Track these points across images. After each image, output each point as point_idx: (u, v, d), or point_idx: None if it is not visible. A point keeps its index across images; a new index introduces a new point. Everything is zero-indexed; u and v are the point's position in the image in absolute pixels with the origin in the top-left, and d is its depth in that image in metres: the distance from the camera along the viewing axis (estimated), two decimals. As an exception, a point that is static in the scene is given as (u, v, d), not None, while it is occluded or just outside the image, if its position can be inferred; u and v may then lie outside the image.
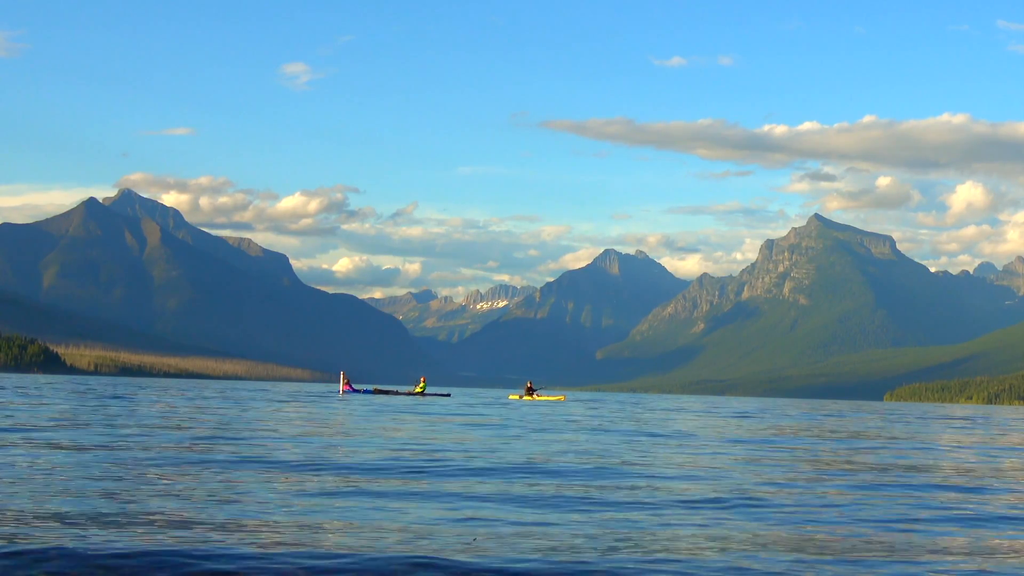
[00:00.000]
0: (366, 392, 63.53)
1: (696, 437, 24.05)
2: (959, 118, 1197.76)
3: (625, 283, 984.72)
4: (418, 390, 62.13)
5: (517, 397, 65.73)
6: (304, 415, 30.17)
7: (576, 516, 9.51)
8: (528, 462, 15.14)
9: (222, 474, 12.16)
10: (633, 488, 11.87)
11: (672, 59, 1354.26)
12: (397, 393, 62.47)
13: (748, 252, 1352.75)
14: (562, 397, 70.27)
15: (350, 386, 64.12)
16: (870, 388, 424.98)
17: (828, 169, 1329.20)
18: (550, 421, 31.06)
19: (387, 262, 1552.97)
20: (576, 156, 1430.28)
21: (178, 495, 10.12)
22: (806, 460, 17.43)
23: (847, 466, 16.23)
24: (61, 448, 15.06)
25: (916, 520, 9.74)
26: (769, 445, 21.52)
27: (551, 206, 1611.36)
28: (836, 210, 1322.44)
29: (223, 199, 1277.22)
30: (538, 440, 20.71)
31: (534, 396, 63.93)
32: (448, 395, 68.78)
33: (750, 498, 10.91)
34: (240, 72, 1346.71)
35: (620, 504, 10.39)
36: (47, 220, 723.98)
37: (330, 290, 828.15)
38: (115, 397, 43.24)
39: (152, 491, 10.30)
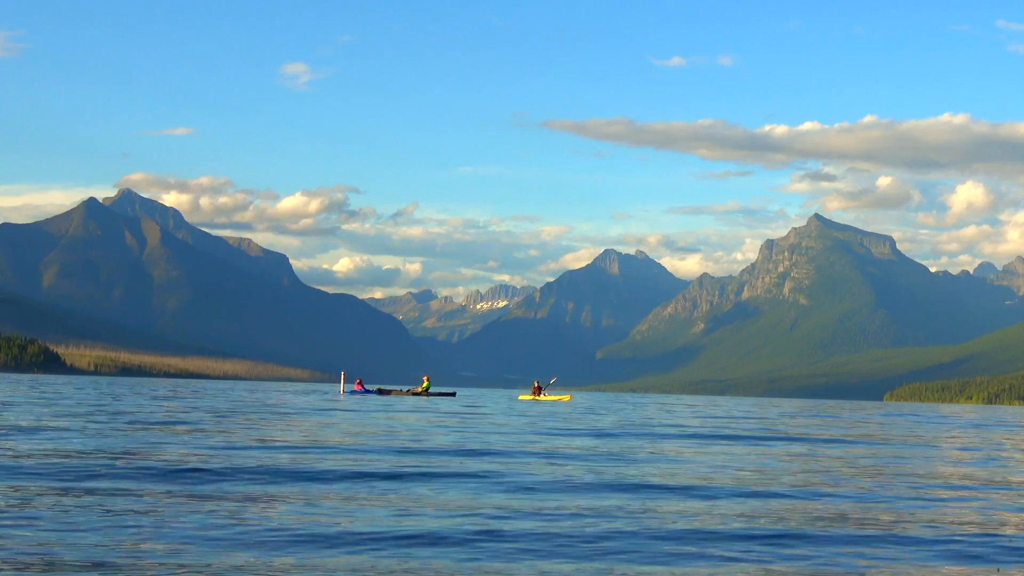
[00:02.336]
0: (354, 392, 62.99)
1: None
2: (960, 118, 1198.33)
3: (625, 283, 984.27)
4: (421, 390, 61.70)
5: (529, 397, 65.19)
6: (303, 419, 29.87)
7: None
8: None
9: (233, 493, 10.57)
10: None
11: (672, 59, 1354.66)
12: (401, 393, 62.08)
13: (748, 252, 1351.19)
14: (567, 397, 69.67)
15: (362, 386, 63.78)
16: (870, 388, 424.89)
17: (828, 169, 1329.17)
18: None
19: (387, 262, 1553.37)
20: (576, 156, 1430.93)
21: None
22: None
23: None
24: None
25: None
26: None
27: (551, 206, 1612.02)
28: (836, 210, 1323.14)
29: (223, 199, 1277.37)
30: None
31: (541, 396, 63.65)
32: (453, 394, 68.47)
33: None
34: (240, 72, 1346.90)
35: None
36: (47, 220, 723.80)
37: (330, 290, 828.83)
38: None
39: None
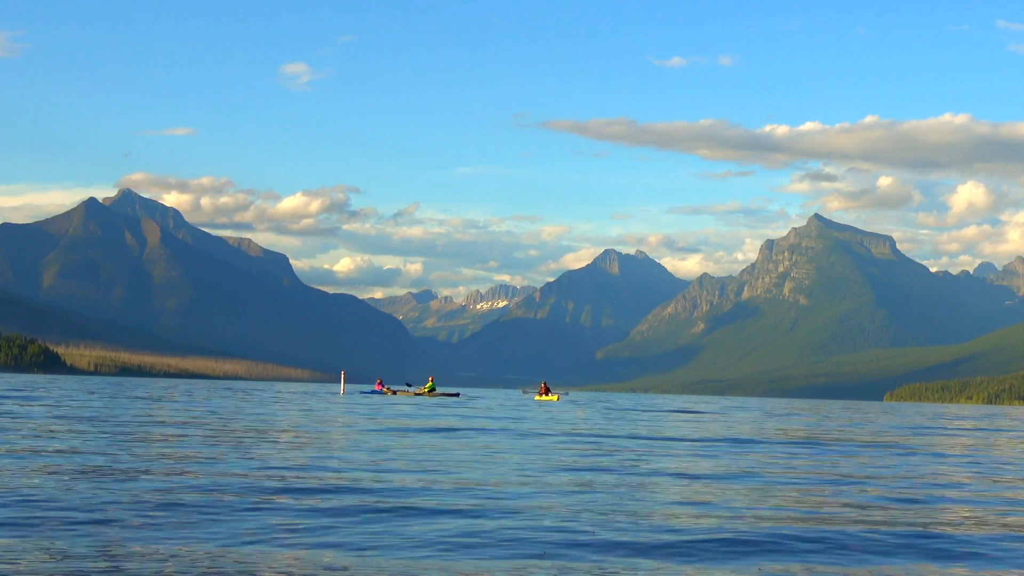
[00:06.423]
0: (373, 392, 63.21)
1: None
2: (960, 118, 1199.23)
3: (625, 283, 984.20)
4: (426, 390, 61.95)
5: (539, 397, 67.27)
6: (308, 419, 29.51)
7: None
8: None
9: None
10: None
11: (672, 59, 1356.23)
12: (408, 394, 62.15)
13: (748, 252, 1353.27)
14: (555, 397, 69.20)
15: (381, 386, 64.00)
16: (870, 388, 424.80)
17: (829, 169, 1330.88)
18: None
19: (388, 262, 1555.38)
20: (577, 156, 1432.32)
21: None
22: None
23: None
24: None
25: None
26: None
27: (551, 206, 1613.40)
28: (837, 210, 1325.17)
29: (224, 199, 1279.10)
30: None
31: (547, 396, 66.68)
32: (457, 395, 68.61)
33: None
34: (240, 72, 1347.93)
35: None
36: (47, 220, 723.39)
37: (331, 290, 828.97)
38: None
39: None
